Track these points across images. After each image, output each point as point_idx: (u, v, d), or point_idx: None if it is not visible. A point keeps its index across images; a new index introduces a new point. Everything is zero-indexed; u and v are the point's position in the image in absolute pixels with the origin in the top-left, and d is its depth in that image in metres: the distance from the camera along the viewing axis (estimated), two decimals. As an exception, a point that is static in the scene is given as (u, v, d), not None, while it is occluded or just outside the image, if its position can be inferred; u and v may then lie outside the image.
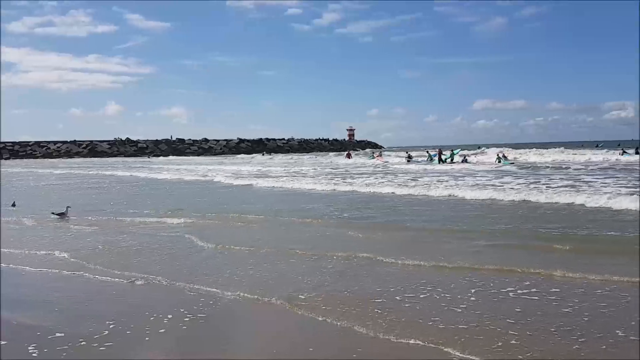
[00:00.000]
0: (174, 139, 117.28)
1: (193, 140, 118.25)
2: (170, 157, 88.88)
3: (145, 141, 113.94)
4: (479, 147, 63.20)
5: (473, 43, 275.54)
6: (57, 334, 4.82)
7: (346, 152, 63.39)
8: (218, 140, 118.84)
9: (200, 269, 7.42)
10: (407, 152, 53.91)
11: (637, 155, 39.91)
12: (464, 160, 42.41)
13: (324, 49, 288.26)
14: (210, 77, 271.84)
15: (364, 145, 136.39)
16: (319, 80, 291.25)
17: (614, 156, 39.94)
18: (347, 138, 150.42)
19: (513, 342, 4.39)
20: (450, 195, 16.36)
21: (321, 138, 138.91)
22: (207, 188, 23.50)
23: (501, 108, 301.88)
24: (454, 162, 41.76)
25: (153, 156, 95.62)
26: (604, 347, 4.23)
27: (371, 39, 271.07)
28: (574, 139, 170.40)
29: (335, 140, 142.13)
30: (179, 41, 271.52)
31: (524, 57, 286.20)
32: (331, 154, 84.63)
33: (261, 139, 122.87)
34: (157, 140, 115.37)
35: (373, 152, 67.92)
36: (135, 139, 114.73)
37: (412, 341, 4.47)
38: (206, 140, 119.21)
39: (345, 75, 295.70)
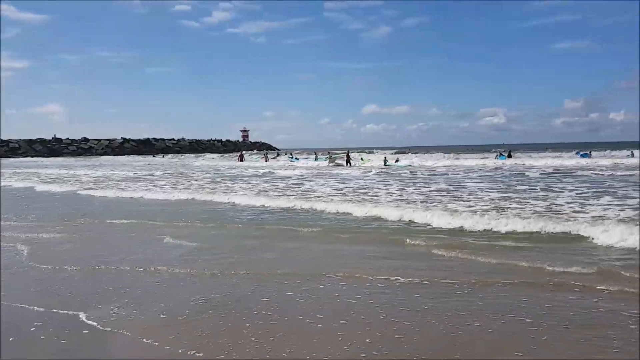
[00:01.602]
0: (55, 138, 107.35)
1: (72, 140, 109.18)
2: (45, 159, 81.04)
3: (18, 141, 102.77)
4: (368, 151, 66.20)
5: (361, 49, 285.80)
6: None
7: (239, 154, 61.27)
8: (99, 140, 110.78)
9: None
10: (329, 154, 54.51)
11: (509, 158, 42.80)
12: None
13: (215, 47, 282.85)
14: (91, 73, 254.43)
15: (258, 146, 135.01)
16: (211, 80, 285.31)
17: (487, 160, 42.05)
18: (241, 139, 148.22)
19: None
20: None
21: (214, 139, 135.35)
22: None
23: (387, 113, 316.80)
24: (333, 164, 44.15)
25: (28, 157, 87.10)
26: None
27: (265, 39, 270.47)
28: (452, 143, 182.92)
29: (229, 141, 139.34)
30: (58, 35, 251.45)
31: (406, 65, 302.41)
32: (210, 155, 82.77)
33: (148, 138, 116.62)
34: (31, 139, 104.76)
35: (266, 154, 67.72)
36: (6, 139, 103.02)
37: None
38: (86, 139, 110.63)
39: (239, 76, 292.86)
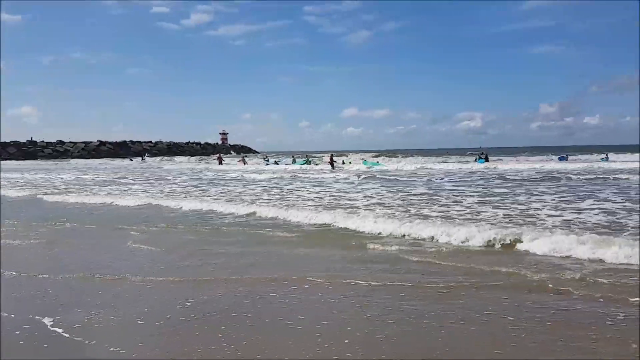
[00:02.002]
0: (29, 140, 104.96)
1: (47, 143, 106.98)
2: (19, 162, 79.16)
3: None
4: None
5: (341, 53, 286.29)
6: None
7: (217, 156, 60.15)
8: (75, 143, 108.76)
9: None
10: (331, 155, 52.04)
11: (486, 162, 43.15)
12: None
13: (193, 50, 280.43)
14: (67, 75, 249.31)
15: (238, 149, 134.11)
16: (189, 82, 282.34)
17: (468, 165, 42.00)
18: (220, 142, 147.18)
19: None
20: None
21: (192, 142, 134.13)
22: None
23: (367, 116, 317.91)
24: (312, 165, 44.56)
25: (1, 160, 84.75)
26: None
27: (244, 42, 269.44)
28: (430, 147, 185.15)
29: (208, 144, 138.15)
30: (32, 36, 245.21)
31: (385, 69, 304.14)
32: (182, 158, 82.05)
33: (125, 141, 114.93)
34: (4, 142, 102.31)
35: (243, 157, 66.62)
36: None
37: None
38: (62, 142, 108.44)
39: (218, 78, 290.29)
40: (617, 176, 23.12)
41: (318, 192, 17.91)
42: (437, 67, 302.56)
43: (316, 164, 47.01)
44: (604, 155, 48.82)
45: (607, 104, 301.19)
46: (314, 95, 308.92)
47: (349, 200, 15.21)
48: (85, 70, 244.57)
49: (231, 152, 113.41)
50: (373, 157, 56.49)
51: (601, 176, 23.71)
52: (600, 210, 11.49)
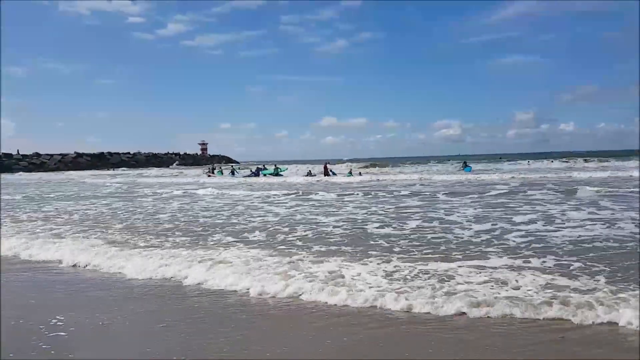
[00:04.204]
0: (4, 153, 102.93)
1: (22, 155, 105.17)
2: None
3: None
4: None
5: (318, 63, 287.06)
6: None
7: (209, 169, 57.66)
8: (52, 155, 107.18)
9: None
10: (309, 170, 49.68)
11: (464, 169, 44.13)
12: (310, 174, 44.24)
13: (170, 60, 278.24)
14: (40, 85, 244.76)
15: (218, 159, 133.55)
16: (167, 92, 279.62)
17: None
18: (199, 152, 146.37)
19: None
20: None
21: (172, 152, 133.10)
22: None
23: (345, 125, 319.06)
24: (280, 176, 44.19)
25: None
26: None
27: (221, 52, 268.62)
28: (410, 155, 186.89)
29: (187, 154, 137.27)
30: (3, 46, 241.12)
31: (363, 79, 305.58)
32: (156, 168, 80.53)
33: (103, 152, 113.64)
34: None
35: (210, 168, 63.08)
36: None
37: None
38: (38, 154, 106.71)
39: (196, 88, 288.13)
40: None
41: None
42: (414, 77, 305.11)
43: (281, 172, 46.38)
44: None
45: (580, 111, 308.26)
46: (291, 104, 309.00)
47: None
48: (58, 81, 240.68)
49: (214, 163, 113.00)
50: (362, 167, 56.28)
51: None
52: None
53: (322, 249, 9.57)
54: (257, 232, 11.82)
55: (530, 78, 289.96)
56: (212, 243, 10.64)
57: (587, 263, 7.75)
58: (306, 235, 11.29)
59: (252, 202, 19.75)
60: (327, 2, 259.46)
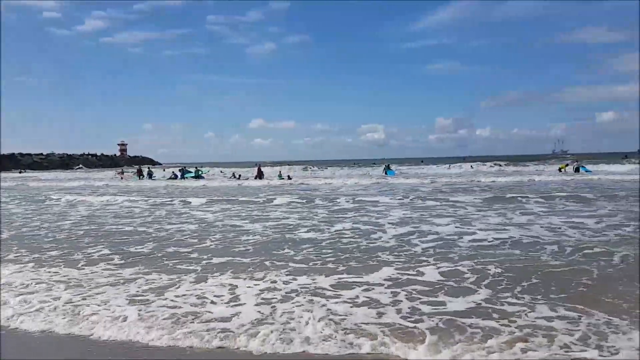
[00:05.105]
0: None
1: None
2: None
3: None
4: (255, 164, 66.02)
5: (246, 64, 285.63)
6: None
7: (119, 170, 55.60)
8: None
9: None
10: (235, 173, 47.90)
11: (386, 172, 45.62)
12: (237, 177, 44.02)
13: (88, 57, 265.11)
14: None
15: (138, 161, 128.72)
16: (84, 90, 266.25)
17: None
18: (118, 153, 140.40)
19: None
20: None
21: (88, 153, 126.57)
22: None
23: (274, 128, 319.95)
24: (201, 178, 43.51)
25: None
26: None
27: (142, 50, 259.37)
28: (337, 157, 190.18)
29: (105, 155, 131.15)
30: None
31: (291, 81, 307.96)
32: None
33: (13, 153, 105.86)
34: None
35: (122, 170, 61.90)
36: None
37: None
38: None
39: (115, 87, 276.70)
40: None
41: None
42: (341, 81, 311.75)
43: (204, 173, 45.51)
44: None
45: (498, 117, 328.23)
46: (219, 105, 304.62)
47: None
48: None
49: (134, 165, 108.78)
50: (289, 171, 56.04)
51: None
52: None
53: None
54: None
55: (452, 85, 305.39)
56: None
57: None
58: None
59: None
60: (254, 2, 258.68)
